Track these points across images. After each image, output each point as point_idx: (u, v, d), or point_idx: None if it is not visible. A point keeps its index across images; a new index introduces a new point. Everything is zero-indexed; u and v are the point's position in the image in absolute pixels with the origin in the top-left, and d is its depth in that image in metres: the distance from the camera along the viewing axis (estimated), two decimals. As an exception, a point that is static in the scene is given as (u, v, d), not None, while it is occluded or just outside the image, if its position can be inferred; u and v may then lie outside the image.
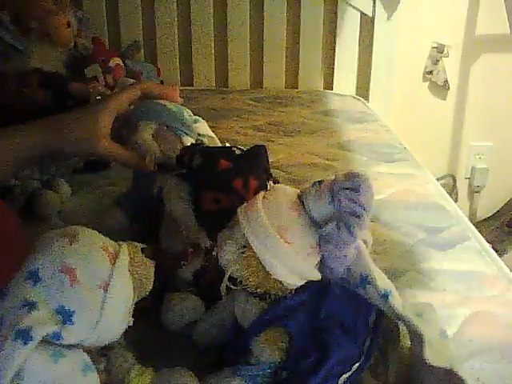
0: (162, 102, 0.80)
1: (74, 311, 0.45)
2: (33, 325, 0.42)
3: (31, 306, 0.43)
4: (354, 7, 1.98)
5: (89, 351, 0.47)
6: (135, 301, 0.50)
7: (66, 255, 0.46)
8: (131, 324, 0.50)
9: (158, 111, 0.78)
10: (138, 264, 0.50)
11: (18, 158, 0.75)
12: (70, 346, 0.45)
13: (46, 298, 0.45)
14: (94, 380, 0.46)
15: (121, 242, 0.52)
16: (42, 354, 0.43)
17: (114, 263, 0.48)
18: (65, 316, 0.45)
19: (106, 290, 0.46)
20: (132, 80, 1.28)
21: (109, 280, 0.47)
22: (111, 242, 0.51)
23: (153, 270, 0.52)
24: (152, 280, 0.52)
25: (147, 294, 0.52)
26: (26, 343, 0.41)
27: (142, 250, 0.52)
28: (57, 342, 0.44)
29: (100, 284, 0.46)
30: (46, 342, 0.44)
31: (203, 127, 0.84)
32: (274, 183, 0.68)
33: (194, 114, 0.84)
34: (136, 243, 0.53)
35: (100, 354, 0.51)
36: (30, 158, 0.76)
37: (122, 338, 0.52)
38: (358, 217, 0.49)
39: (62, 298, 0.45)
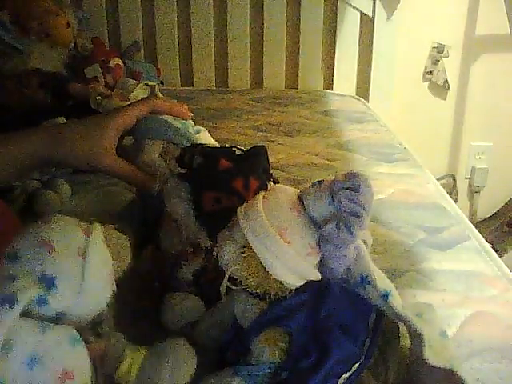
0: (165, 118, 0.79)
1: (55, 277, 0.45)
2: (17, 290, 0.43)
3: (13, 278, 0.44)
4: (353, 7, 1.98)
5: (81, 330, 0.48)
6: (116, 271, 0.51)
7: (41, 231, 0.48)
8: (115, 290, 0.50)
9: (163, 129, 0.78)
10: (111, 236, 0.51)
11: (18, 166, 0.75)
12: (57, 319, 0.45)
13: (27, 270, 0.45)
14: (82, 352, 0.46)
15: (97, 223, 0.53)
16: (30, 326, 0.43)
17: (89, 235, 0.49)
18: (47, 282, 0.45)
19: (83, 258, 0.47)
20: (132, 80, 1.29)
21: (85, 248, 0.48)
22: (84, 222, 0.52)
23: (128, 242, 0.53)
24: (129, 251, 0.53)
25: (126, 266, 0.53)
26: (11, 307, 0.41)
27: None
28: (43, 311, 0.44)
29: (78, 252, 0.47)
30: (32, 315, 0.44)
31: (205, 136, 0.84)
32: (274, 183, 0.68)
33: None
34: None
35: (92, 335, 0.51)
36: (30, 166, 0.76)
37: (112, 321, 0.53)
38: (358, 217, 0.49)
39: (43, 267, 0.45)
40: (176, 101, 1.06)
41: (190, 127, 0.82)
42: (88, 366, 0.47)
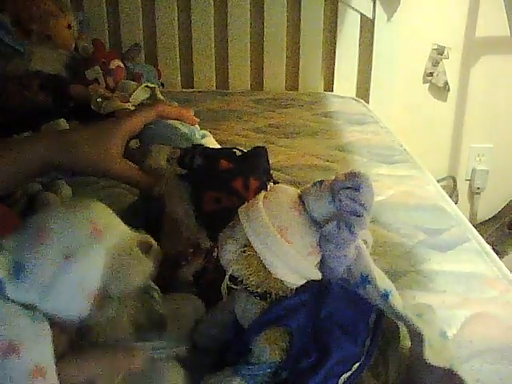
0: (172, 123, 0.80)
1: (26, 267, 0.44)
2: None
3: None
4: (354, 9, 1.98)
5: None
6: (113, 290, 0.47)
7: (48, 216, 0.46)
8: (88, 312, 0.46)
9: (170, 135, 0.78)
10: (127, 253, 0.48)
11: (22, 172, 0.75)
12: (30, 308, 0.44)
13: (12, 245, 0.44)
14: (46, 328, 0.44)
15: (127, 229, 0.50)
16: None
17: (97, 238, 0.46)
18: (16, 268, 0.43)
19: (67, 259, 0.44)
20: (133, 82, 1.29)
21: (76, 251, 0.45)
22: (111, 220, 0.49)
23: (147, 267, 0.49)
24: (143, 277, 0.49)
25: (132, 288, 0.49)
26: None
27: (150, 246, 0.50)
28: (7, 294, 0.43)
29: (65, 252, 0.44)
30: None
31: (210, 141, 0.85)
32: (274, 184, 0.68)
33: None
34: (146, 237, 0.51)
35: None
36: (35, 172, 0.76)
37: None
38: (359, 216, 0.49)
39: (23, 253, 0.44)
40: (177, 103, 1.07)
41: (197, 132, 0.83)
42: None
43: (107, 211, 0.49)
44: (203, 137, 0.84)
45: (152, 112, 0.79)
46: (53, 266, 0.44)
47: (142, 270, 0.49)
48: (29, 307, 0.44)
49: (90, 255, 0.45)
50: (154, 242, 0.51)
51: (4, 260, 0.43)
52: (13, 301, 0.43)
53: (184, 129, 0.80)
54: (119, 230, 0.49)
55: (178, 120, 0.81)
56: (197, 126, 0.84)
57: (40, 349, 0.42)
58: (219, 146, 0.85)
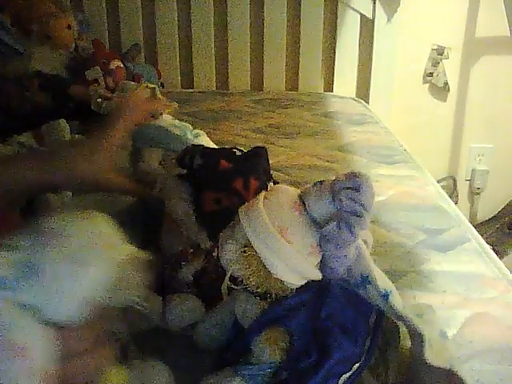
0: (164, 125, 0.80)
1: (38, 268, 0.44)
2: None
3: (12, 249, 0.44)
4: (354, 9, 1.98)
5: None
6: (110, 302, 0.48)
7: (63, 222, 0.47)
8: (84, 317, 0.47)
9: (161, 137, 0.78)
10: (129, 268, 0.48)
11: (13, 195, 0.74)
12: (32, 312, 0.44)
13: (24, 246, 0.45)
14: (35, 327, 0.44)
15: (128, 245, 0.50)
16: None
17: (105, 251, 0.47)
18: (28, 268, 0.44)
19: (78, 266, 0.45)
20: (133, 83, 1.29)
21: (87, 260, 0.46)
22: (117, 236, 0.50)
23: (142, 282, 0.49)
24: (138, 291, 0.49)
25: (128, 301, 0.49)
26: None
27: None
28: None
29: (77, 259, 0.45)
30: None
31: (204, 140, 0.85)
32: (274, 184, 0.68)
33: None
34: (143, 254, 0.52)
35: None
36: (29, 192, 0.76)
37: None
38: (359, 216, 0.49)
39: (36, 253, 0.45)
40: (177, 103, 1.07)
41: (189, 132, 0.83)
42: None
43: (112, 224, 0.50)
44: (196, 136, 0.84)
45: (136, 115, 0.77)
46: (64, 271, 0.45)
47: (139, 284, 0.49)
48: (33, 309, 0.44)
49: (100, 266, 0.46)
50: (149, 256, 0.52)
51: (15, 259, 0.44)
52: (19, 303, 0.44)
53: (176, 130, 0.80)
54: (124, 246, 0.49)
55: (151, 113, 0.80)
56: (189, 126, 0.84)
57: (45, 353, 0.43)
58: (214, 144, 0.85)
